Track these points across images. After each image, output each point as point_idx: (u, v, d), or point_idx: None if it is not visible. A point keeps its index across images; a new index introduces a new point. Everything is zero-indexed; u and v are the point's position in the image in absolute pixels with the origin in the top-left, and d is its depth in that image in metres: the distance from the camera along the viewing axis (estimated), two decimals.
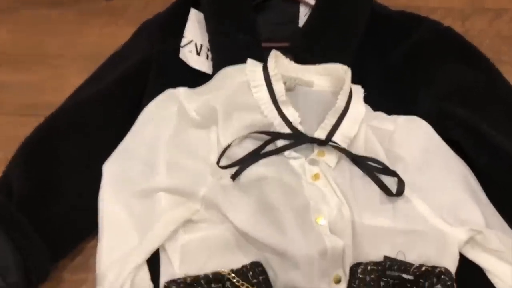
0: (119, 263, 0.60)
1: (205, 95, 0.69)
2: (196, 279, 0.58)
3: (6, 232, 0.59)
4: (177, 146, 0.66)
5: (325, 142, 0.66)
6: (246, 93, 0.69)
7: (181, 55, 0.75)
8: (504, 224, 0.64)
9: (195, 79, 0.73)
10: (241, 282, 0.58)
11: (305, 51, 0.75)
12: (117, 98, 0.72)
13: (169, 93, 0.70)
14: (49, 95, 0.79)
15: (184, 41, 0.76)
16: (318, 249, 0.57)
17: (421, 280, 0.56)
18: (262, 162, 0.64)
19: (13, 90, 0.82)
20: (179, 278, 0.58)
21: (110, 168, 0.67)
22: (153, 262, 0.62)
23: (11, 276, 0.59)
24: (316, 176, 0.65)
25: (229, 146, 0.65)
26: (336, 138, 0.66)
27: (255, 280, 0.59)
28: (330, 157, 0.66)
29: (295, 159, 0.66)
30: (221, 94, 0.68)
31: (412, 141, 0.67)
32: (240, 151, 0.65)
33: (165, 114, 0.68)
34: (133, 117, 0.70)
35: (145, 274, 0.61)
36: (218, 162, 0.64)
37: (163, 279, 0.61)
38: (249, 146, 0.66)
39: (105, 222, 0.63)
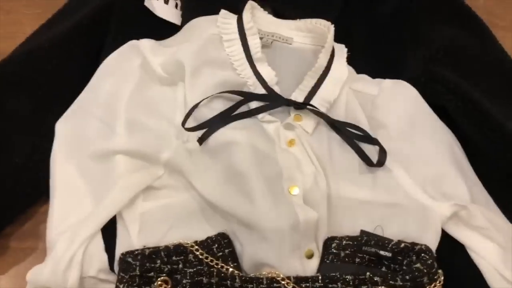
0: (71, 231, 0.54)
1: (172, 48, 0.63)
2: (155, 250, 0.53)
3: None
4: (139, 104, 0.61)
5: (303, 106, 0.60)
6: (217, 47, 0.63)
7: (147, 3, 0.69)
8: (490, 200, 0.60)
9: (162, 30, 0.67)
10: (205, 255, 0.54)
11: (285, 4, 0.69)
12: (73, 47, 0.65)
13: (131, 45, 0.64)
14: (0, 42, 0.72)
15: None
16: (289, 222, 0.53)
17: (399, 258, 0.52)
18: (232, 125, 0.59)
19: None
20: (137, 250, 0.53)
21: (64, 126, 0.61)
22: (109, 231, 0.56)
23: None
24: (291, 142, 0.60)
25: (196, 105, 0.59)
26: (315, 101, 0.61)
27: (220, 253, 0.54)
28: (307, 122, 0.61)
29: (270, 123, 0.61)
30: (189, 47, 0.62)
31: (396, 107, 0.62)
32: (209, 112, 0.59)
33: (126, 68, 0.62)
34: (91, 70, 0.64)
35: (99, 243, 0.55)
36: (183, 123, 0.58)
37: (119, 250, 0.55)
38: (219, 106, 0.60)
39: (57, 186, 0.58)
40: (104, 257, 0.55)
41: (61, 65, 0.64)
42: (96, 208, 0.55)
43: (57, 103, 0.62)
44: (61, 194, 0.57)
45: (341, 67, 0.64)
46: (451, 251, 0.56)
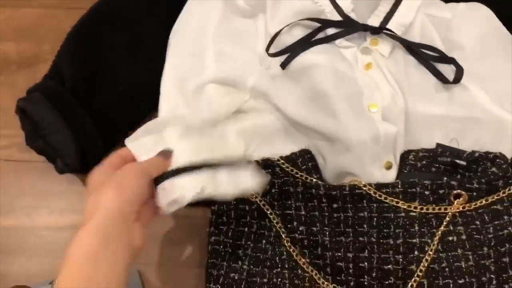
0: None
1: None
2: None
3: (63, 117, 0.61)
4: (224, 35, 0.65)
5: (379, 30, 0.63)
6: None
7: None
8: None
9: None
10: (290, 168, 0.59)
11: None
12: None
13: None
14: None
15: None
16: (370, 135, 0.57)
17: (474, 166, 0.55)
18: (312, 50, 0.62)
19: None
20: None
21: (168, 61, 0.66)
22: None
23: (70, 157, 0.61)
24: (368, 66, 0.63)
25: (278, 33, 0.63)
26: (391, 25, 0.64)
27: (304, 167, 0.59)
28: (383, 46, 0.63)
29: (347, 48, 0.64)
30: None
31: (471, 28, 0.64)
32: (289, 39, 0.63)
33: (210, 3, 0.67)
34: (179, 5, 0.68)
35: None
36: (267, 50, 0.62)
37: None
38: (299, 33, 0.63)
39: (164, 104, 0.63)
40: None
41: (151, 3, 0.69)
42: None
43: (150, 37, 0.68)
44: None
45: None
46: None
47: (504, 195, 0.54)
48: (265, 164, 0.59)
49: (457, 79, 0.60)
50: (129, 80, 0.67)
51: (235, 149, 0.56)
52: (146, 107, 0.67)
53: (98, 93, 0.65)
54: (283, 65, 0.62)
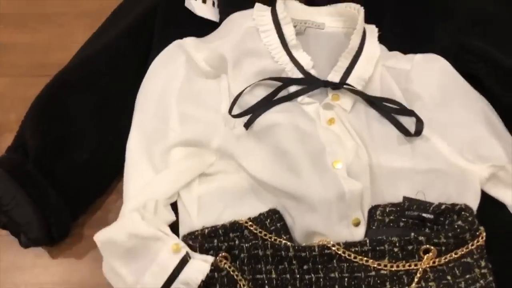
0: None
1: (213, 44, 0.67)
2: (214, 229, 0.58)
3: (26, 190, 0.60)
4: (188, 97, 0.66)
5: (340, 85, 0.64)
6: (255, 38, 0.67)
7: (187, 4, 0.73)
8: None
9: (203, 28, 0.71)
10: (259, 230, 0.58)
11: None
12: (124, 50, 0.71)
13: (176, 44, 0.68)
14: (57, 54, 0.78)
15: None
16: (335, 193, 0.57)
17: (441, 219, 0.55)
18: (275, 109, 0.63)
19: (20, 52, 0.81)
20: (197, 230, 0.58)
21: (133, 122, 0.66)
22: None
23: (33, 232, 0.60)
24: (331, 121, 0.63)
25: (240, 94, 0.63)
26: (351, 80, 0.65)
27: (273, 227, 0.59)
28: (345, 101, 0.64)
29: (309, 104, 0.65)
30: (229, 41, 0.66)
31: (429, 79, 0.65)
32: (252, 99, 0.64)
33: (173, 67, 0.67)
34: (142, 68, 0.69)
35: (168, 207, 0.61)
36: (230, 111, 0.63)
37: (182, 228, 0.61)
38: (261, 93, 0.64)
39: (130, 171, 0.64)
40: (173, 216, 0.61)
41: (115, 67, 0.70)
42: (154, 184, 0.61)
43: (115, 102, 0.68)
44: (133, 178, 0.63)
45: (373, 47, 0.67)
46: (492, 211, 0.58)
47: (473, 247, 0.53)
48: (233, 228, 0.58)
49: (418, 131, 0.60)
50: (95, 145, 0.66)
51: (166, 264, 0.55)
52: (113, 172, 0.67)
53: (63, 161, 0.65)
54: (247, 126, 0.62)
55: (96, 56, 0.70)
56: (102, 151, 0.66)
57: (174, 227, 0.61)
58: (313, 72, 0.65)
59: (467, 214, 0.54)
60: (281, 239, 0.58)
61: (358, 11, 0.67)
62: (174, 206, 0.63)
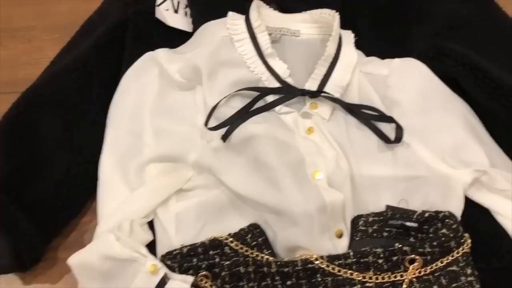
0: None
1: (186, 55, 0.66)
2: (193, 247, 0.56)
3: None
4: (162, 111, 0.64)
5: (317, 94, 0.63)
6: (229, 48, 0.65)
7: (157, 14, 0.71)
8: (509, 162, 0.61)
9: (175, 38, 0.69)
10: (240, 246, 0.56)
11: None
12: (94, 65, 0.68)
13: (148, 57, 0.67)
14: (25, 70, 0.77)
15: None
16: (316, 205, 0.55)
17: (425, 227, 0.54)
18: (252, 120, 0.61)
19: None
20: (175, 250, 0.56)
21: (106, 140, 0.64)
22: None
23: (2, 260, 0.57)
24: (310, 130, 0.62)
25: (216, 106, 0.62)
26: (328, 88, 0.63)
27: (254, 243, 0.57)
28: (323, 109, 0.63)
29: (287, 114, 0.63)
30: (203, 51, 0.64)
31: (407, 84, 0.64)
32: (228, 110, 0.62)
33: (146, 80, 0.65)
34: (114, 84, 0.67)
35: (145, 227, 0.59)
36: (206, 124, 0.61)
37: (160, 249, 0.59)
38: (238, 104, 0.62)
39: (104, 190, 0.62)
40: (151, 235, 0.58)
41: (85, 84, 0.68)
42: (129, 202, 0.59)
43: (86, 120, 0.66)
44: (107, 197, 0.61)
45: (350, 53, 0.66)
46: (476, 217, 0.57)
47: (458, 255, 0.52)
48: (213, 245, 0.56)
49: (398, 138, 0.59)
50: (66, 166, 0.64)
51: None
52: (86, 192, 0.64)
53: (32, 184, 0.62)
54: (224, 138, 0.61)
55: (66, 73, 0.68)
56: (73, 171, 0.63)
57: (152, 246, 0.59)
58: (290, 80, 0.64)
59: (451, 222, 0.53)
60: (263, 255, 0.56)
61: (333, 17, 0.67)
62: (152, 225, 0.60)
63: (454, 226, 0.52)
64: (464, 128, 0.61)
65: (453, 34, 0.66)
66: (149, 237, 0.59)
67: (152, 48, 0.67)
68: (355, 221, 0.57)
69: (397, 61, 0.66)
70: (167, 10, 0.71)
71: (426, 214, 0.54)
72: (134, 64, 0.66)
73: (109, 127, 0.65)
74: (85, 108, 0.67)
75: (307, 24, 0.69)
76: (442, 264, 0.52)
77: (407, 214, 0.55)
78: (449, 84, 0.65)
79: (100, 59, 0.69)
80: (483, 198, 0.58)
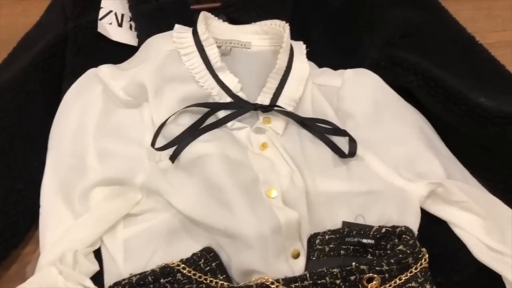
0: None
1: (131, 70, 0.63)
2: (142, 276, 0.52)
3: None
4: (106, 131, 0.61)
5: (270, 108, 0.60)
6: (176, 62, 0.62)
7: (100, 29, 0.68)
8: (466, 173, 0.60)
9: (119, 54, 0.66)
10: (192, 272, 0.53)
11: (239, 10, 0.69)
12: (32, 84, 0.65)
13: (90, 73, 0.63)
14: None
15: (102, 13, 0.69)
16: (270, 226, 0.53)
17: (382, 243, 0.53)
18: (202, 137, 0.59)
19: None
20: (124, 279, 0.52)
21: (47, 164, 0.60)
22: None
23: None
24: (264, 145, 0.60)
25: (163, 124, 0.59)
26: (281, 102, 0.62)
27: (208, 268, 0.54)
28: (276, 123, 0.61)
29: (240, 129, 0.61)
30: (148, 67, 0.62)
31: (360, 95, 0.63)
32: (177, 129, 0.59)
33: (88, 98, 0.62)
34: (54, 103, 0.63)
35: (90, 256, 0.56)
36: (153, 144, 0.58)
37: (108, 279, 0.55)
38: (187, 121, 0.60)
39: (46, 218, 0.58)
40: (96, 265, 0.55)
41: (22, 104, 0.64)
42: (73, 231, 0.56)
43: (25, 143, 0.62)
44: (50, 226, 0.57)
45: (302, 65, 0.64)
46: (434, 230, 0.56)
47: (416, 270, 0.51)
48: (164, 272, 0.53)
49: (352, 153, 0.58)
50: (3, 194, 0.59)
51: None
52: (26, 221, 0.60)
53: None
54: (172, 158, 0.58)
55: (1, 93, 0.63)
56: (12, 199, 0.59)
57: (99, 276, 0.55)
58: (241, 95, 0.62)
59: (408, 237, 0.51)
60: (217, 280, 0.53)
61: (284, 28, 0.65)
62: (99, 253, 0.57)
63: (411, 242, 0.51)
64: (418, 138, 0.60)
65: (405, 43, 0.66)
66: (95, 267, 0.55)
67: (95, 64, 0.64)
68: (311, 239, 0.55)
69: (349, 71, 0.65)
70: (110, 24, 0.68)
71: (383, 230, 0.53)
72: (76, 82, 0.63)
73: (50, 149, 0.61)
74: (24, 130, 0.62)
75: (258, 36, 0.67)
76: (400, 281, 0.50)
77: (364, 230, 0.53)
78: (403, 94, 0.64)
79: (39, 77, 0.65)
80: (440, 210, 0.57)
